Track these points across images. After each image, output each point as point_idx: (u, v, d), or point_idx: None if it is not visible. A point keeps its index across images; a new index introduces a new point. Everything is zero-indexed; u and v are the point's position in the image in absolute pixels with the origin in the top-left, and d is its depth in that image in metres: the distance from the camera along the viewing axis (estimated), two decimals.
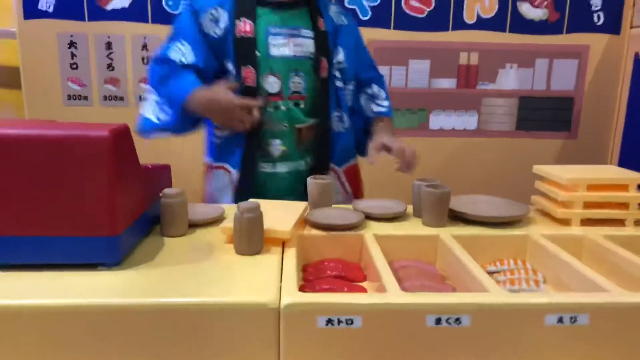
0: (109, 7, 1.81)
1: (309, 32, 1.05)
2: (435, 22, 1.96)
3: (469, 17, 1.97)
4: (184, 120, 1.00)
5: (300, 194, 1.02)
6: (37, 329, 0.59)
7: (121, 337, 0.60)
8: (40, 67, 1.84)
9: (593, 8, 1.98)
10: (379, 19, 1.95)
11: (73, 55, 1.84)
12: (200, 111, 0.98)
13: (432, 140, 2.04)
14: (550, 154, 2.11)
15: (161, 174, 0.92)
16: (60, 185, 0.65)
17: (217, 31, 1.01)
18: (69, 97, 1.87)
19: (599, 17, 1.99)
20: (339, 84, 1.10)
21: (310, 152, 1.09)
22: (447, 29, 1.98)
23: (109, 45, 1.84)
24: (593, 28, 2.00)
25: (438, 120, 2.06)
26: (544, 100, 2.08)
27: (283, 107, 1.04)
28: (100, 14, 1.81)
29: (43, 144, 0.66)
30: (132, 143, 0.74)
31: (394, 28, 1.96)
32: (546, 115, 2.09)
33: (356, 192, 1.19)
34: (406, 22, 1.96)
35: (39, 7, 1.79)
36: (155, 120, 1.00)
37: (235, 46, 1.01)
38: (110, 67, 1.86)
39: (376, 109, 1.17)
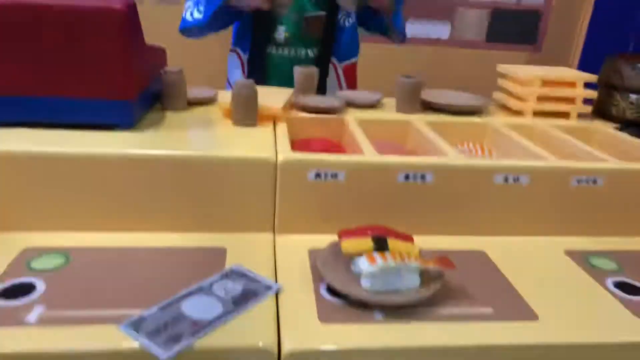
0: None
1: None
2: None
3: None
4: (216, 18, 1.10)
5: None
6: (75, 174, 0.69)
7: (141, 184, 0.70)
8: None
9: None
10: None
11: None
12: None
13: (406, 48, 2.11)
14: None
15: (159, 54, 0.99)
16: (82, 52, 0.73)
17: None
18: None
19: None
20: None
21: (314, 42, 1.19)
22: None
23: None
24: None
25: (412, 28, 2.12)
26: (514, 13, 2.16)
27: None
28: None
29: (67, 14, 0.72)
30: (139, 19, 0.81)
31: None
32: (514, 28, 2.18)
33: (351, 89, 1.28)
34: None
35: None
36: (189, 19, 1.11)
37: None
38: None
39: None
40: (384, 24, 1.23)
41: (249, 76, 1.18)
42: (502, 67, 1.13)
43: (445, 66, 2.16)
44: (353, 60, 1.28)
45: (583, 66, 2.13)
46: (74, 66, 0.73)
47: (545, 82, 1.04)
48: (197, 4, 1.11)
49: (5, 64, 0.73)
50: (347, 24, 1.21)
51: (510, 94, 1.10)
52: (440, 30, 2.15)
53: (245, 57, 1.21)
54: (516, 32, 2.19)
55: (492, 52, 2.18)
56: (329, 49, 1.20)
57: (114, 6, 0.73)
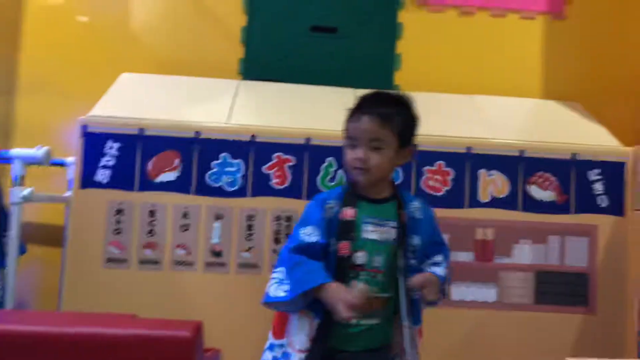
0: (158, 180, 2.01)
1: (393, 223, 1.33)
2: (452, 200, 2.14)
3: (483, 197, 2.15)
4: (300, 300, 1.23)
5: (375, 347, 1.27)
6: None
7: None
8: (85, 231, 1.98)
9: (596, 192, 2.17)
10: None
11: (118, 222, 1.99)
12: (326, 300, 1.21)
13: (453, 311, 2.09)
14: (570, 329, 2.13)
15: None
16: None
17: (330, 214, 1.31)
18: (108, 260, 1.98)
19: (602, 200, 2.17)
20: (411, 262, 1.32)
21: (374, 316, 1.28)
22: (463, 207, 2.15)
23: (152, 213, 2.00)
24: (599, 210, 2.16)
25: (459, 291, 2.12)
26: (560, 275, 2.16)
27: (363, 277, 1.27)
28: (148, 185, 2.00)
29: (137, 342, 0.73)
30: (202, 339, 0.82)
31: None
32: (563, 289, 2.16)
33: None
34: (426, 199, 2.12)
35: (95, 178, 1.99)
36: (272, 294, 1.25)
37: (339, 226, 1.29)
38: (150, 232, 1.99)
39: (430, 268, 1.35)
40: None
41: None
42: None
43: (494, 329, 2.09)
44: (419, 326, 1.36)
45: None
46: None
47: None
48: (281, 281, 1.25)
49: None
50: (415, 296, 1.30)
51: None
52: (486, 293, 2.14)
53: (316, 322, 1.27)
54: (566, 293, 2.15)
55: (542, 314, 2.12)
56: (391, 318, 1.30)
57: (182, 334, 0.74)
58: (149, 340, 0.73)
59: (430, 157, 2.14)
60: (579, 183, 2.17)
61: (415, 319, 1.32)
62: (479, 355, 2.08)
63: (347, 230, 1.29)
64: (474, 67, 2.66)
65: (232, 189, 2.04)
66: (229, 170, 2.04)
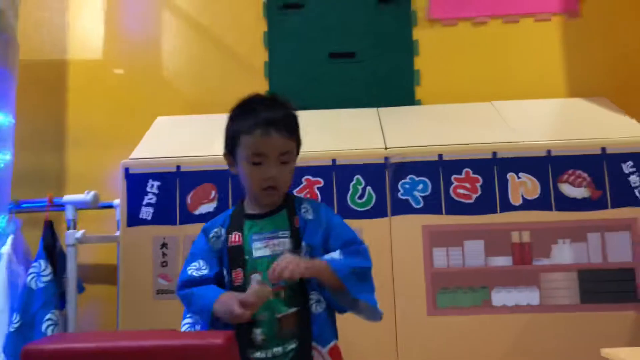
0: (197, 212, 2.13)
1: (285, 232, 1.24)
2: (483, 206, 2.14)
3: (515, 200, 2.15)
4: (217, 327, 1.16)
5: None
6: None
7: None
8: (135, 266, 2.11)
9: (632, 185, 2.12)
10: (431, 206, 2.15)
11: (164, 255, 2.11)
12: (222, 314, 1.13)
13: (497, 317, 2.07)
14: (622, 326, 2.06)
15: None
16: None
17: (218, 245, 1.26)
18: (158, 292, 2.09)
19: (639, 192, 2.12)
20: None
21: (291, 337, 1.18)
22: (495, 211, 2.15)
23: None
24: (637, 202, 2.12)
25: (500, 297, 2.11)
26: (604, 273, 2.11)
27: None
28: (189, 217, 2.12)
29: (166, 353, 0.81)
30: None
31: (446, 213, 2.15)
32: (609, 286, 2.10)
33: None
34: (457, 207, 2.15)
35: (140, 216, 2.13)
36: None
37: (228, 254, 1.24)
38: None
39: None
40: (337, 302, 1.23)
41: None
42: (607, 353, 1.06)
43: (541, 332, 2.05)
44: (334, 342, 1.24)
45: None
46: None
47: None
48: (192, 325, 1.25)
49: None
50: (319, 309, 1.22)
51: None
52: (528, 296, 2.11)
53: None
54: (613, 290, 2.10)
55: (590, 314, 2.07)
56: (307, 340, 1.18)
57: (216, 342, 0.81)
58: (186, 349, 0.81)
59: (456, 165, 2.17)
60: (613, 177, 2.13)
61: (325, 335, 1.22)
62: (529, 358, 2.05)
63: (237, 256, 1.22)
64: (493, 75, 2.69)
65: None
66: None
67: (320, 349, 1.21)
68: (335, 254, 1.21)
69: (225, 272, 1.24)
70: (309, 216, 1.27)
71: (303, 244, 1.23)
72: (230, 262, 1.22)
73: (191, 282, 1.21)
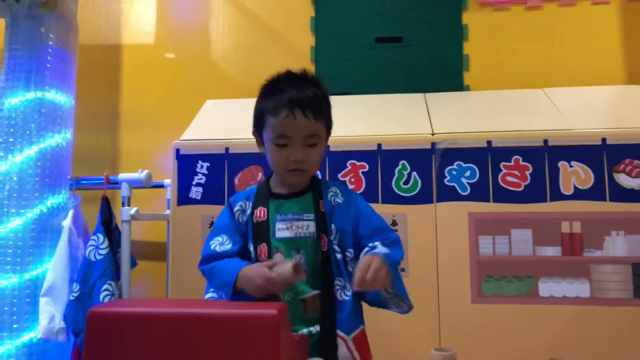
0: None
1: (310, 215, 1.22)
2: (533, 194, 2.09)
3: (566, 189, 2.09)
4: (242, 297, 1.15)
5: None
6: None
7: None
8: (185, 244, 2.19)
9: None
10: (479, 193, 2.12)
11: None
12: (245, 286, 1.12)
13: (544, 308, 2.03)
14: None
15: (302, 343, 1.07)
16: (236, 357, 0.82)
17: (243, 218, 1.25)
18: None
19: None
20: (338, 255, 1.21)
21: (316, 321, 1.17)
22: (545, 200, 2.10)
23: None
24: None
25: (547, 287, 2.06)
26: None
27: None
28: None
29: (224, 321, 0.85)
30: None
31: (494, 201, 2.11)
32: None
33: (364, 358, 1.21)
34: (505, 195, 2.11)
35: (190, 195, 2.19)
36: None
37: (253, 229, 1.22)
38: None
39: (368, 250, 1.20)
40: (380, 298, 1.20)
41: None
42: None
43: (590, 325, 2.00)
44: (360, 328, 1.22)
45: None
46: None
47: None
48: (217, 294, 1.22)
49: None
50: (344, 297, 1.19)
51: None
52: (578, 288, 2.06)
53: None
54: None
55: None
56: (331, 325, 1.16)
57: (269, 312, 0.84)
58: (240, 318, 0.84)
59: (506, 152, 2.12)
60: None
61: (350, 323, 1.18)
62: (575, 351, 2.00)
63: (261, 231, 1.20)
64: (546, 61, 2.61)
65: None
66: None
67: (345, 337, 1.19)
68: (380, 247, 1.17)
69: (251, 246, 1.23)
70: (338, 199, 1.25)
71: (333, 227, 1.20)
72: (254, 237, 1.21)
73: (213, 257, 1.20)
